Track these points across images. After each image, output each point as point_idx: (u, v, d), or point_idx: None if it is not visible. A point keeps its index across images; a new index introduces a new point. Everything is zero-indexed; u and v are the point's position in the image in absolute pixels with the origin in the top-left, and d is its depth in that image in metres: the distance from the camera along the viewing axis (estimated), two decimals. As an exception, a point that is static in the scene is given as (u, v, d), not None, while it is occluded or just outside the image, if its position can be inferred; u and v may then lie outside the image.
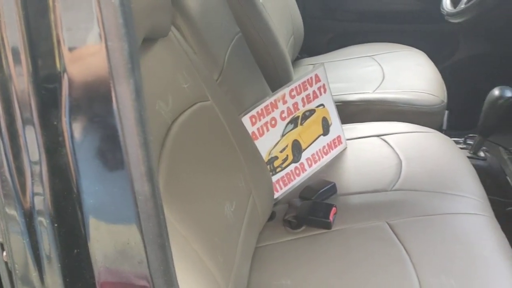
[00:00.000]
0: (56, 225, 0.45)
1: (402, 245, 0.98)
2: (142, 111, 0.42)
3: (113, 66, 0.40)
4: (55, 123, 0.42)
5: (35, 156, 0.43)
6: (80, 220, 0.45)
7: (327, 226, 1.06)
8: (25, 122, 0.41)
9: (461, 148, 1.54)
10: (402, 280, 0.90)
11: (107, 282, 0.49)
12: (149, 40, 0.83)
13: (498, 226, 1.04)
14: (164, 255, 0.46)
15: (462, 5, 1.52)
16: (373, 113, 1.54)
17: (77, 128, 0.42)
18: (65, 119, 0.42)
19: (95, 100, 0.41)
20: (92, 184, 0.44)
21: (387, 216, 1.06)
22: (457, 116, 1.71)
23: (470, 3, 1.47)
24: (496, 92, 1.39)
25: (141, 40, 0.73)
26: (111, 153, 0.43)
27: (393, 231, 1.02)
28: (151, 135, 0.43)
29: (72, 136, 0.42)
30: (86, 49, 0.40)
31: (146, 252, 0.46)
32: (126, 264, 0.47)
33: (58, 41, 0.40)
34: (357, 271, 0.94)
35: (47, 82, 0.41)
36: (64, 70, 0.41)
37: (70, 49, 0.40)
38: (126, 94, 0.41)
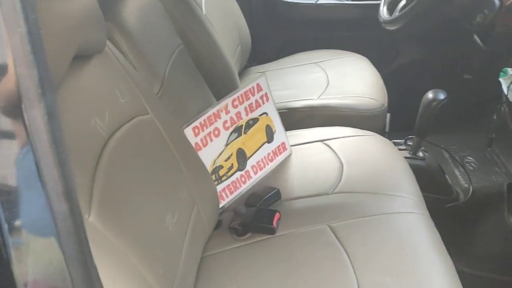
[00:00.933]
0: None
1: (342, 246, 1.01)
2: (56, 132, 0.43)
3: (23, 91, 0.41)
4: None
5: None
6: (0, 241, 0.46)
7: (271, 231, 1.09)
8: None
9: (402, 149, 1.61)
10: (342, 280, 0.93)
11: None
12: (82, 57, 0.84)
13: (432, 223, 1.10)
14: (87, 271, 0.47)
15: (396, 13, 1.60)
16: (318, 118, 1.59)
17: (-8, 152, 0.43)
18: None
19: (9, 125, 0.42)
20: (10, 205, 0.45)
21: (329, 219, 1.09)
22: (399, 119, 1.78)
23: (403, 11, 1.54)
24: (430, 95, 1.46)
25: (70, 58, 0.74)
26: (28, 174, 0.44)
27: (334, 233, 1.05)
28: (68, 154, 0.44)
29: (-13, 160, 0.43)
30: (-4, 75, 0.41)
31: (68, 270, 0.47)
32: (50, 282, 0.48)
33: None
34: (299, 273, 0.97)
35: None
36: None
37: (-20, 76, 0.41)
38: (38, 118, 0.42)
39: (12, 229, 0.46)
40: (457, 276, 0.95)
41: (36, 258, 0.47)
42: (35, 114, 0.42)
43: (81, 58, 0.83)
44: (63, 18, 0.71)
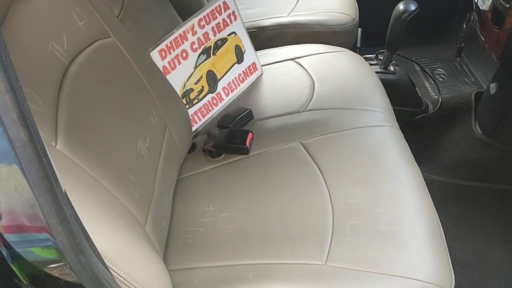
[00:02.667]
0: None
1: (314, 161, 1.04)
2: (3, 57, 0.41)
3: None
4: None
5: None
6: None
7: (245, 151, 1.10)
8: None
9: (373, 64, 1.61)
10: (314, 193, 0.96)
11: (4, 226, 0.50)
12: (32, -22, 0.79)
13: (401, 135, 1.12)
14: (54, 196, 0.47)
15: None
16: (288, 36, 1.55)
17: None
18: None
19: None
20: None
21: (301, 137, 1.11)
22: (370, 33, 1.76)
23: None
24: (400, 6, 1.43)
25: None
26: (-22, 102, 0.42)
27: (306, 150, 1.07)
28: (17, 80, 0.42)
29: None
30: None
31: (34, 196, 0.46)
32: (18, 209, 0.48)
33: None
34: (274, 190, 1.00)
35: None
36: None
37: None
38: (-19, 41, 0.39)
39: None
40: (424, 182, 0.99)
41: (2, 187, 0.47)
42: (-23, 37, 0.39)
43: (30, -21, 0.78)
44: None
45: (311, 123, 1.15)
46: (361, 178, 0.98)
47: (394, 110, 1.24)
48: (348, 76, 1.30)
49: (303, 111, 1.20)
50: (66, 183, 0.53)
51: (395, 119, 1.19)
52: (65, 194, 0.51)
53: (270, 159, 1.08)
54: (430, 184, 1.03)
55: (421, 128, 1.63)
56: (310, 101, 1.22)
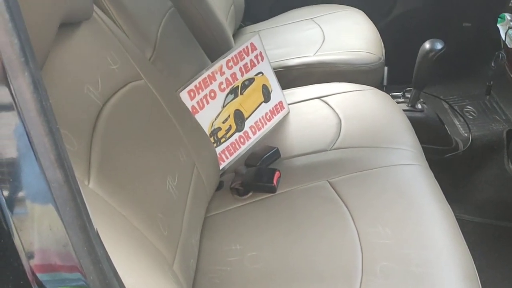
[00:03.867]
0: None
1: (342, 200, 1.03)
2: (43, 101, 0.43)
3: (5, 61, 0.41)
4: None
5: None
6: (3, 223, 0.47)
7: (272, 190, 1.10)
8: None
9: (400, 102, 1.61)
10: (342, 233, 0.95)
11: (37, 265, 0.51)
12: (70, 25, 0.83)
13: (431, 174, 1.11)
14: (86, 235, 0.48)
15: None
16: (314, 76, 1.57)
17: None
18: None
19: (-4, 95, 0.42)
20: (6, 176, 0.46)
21: (328, 175, 1.10)
22: (396, 71, 1.77)
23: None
24: (427, 45, 1.44)
25: (56, 26, 0.73)
26: (19, 145, 0.45)
27: (333, 188, 1.07)
28: (56, 123, 0.44)
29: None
30: (-22, 46, 0.41)
31: (68, 235, 0.48)
32: (52, 248, 0.49)
33: None
34: (301, 229, 0.99)
35: None
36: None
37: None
38: (24, 87, 0.42)
39: (10, 199, 0.47)
40: (456, 223, 0.97)
41: (36, 226, 0.48)
42: (20, 83, 0.42)
43: (68, 25, 0.82)
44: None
45: (338, 161, 1.15)
46: (391, 217, 0.96)
47: (423, 148, 1.23)
48: (375, 114, 1.30)
49: (330, 150, 1.20)
50: (98, 222, 0.55)
51: (424, 157, 1.18)
52: (97, 233, 0.53)
53: (297, 197, 1.08)
54: (463, 225, 1.00)
55: (451, 167, 1.60)
56: (337, 139, 1.22)
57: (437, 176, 1.12)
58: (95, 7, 0.94)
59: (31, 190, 0.47)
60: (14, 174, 0.46)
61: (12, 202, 0.47)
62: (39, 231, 0.49)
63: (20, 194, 0.47)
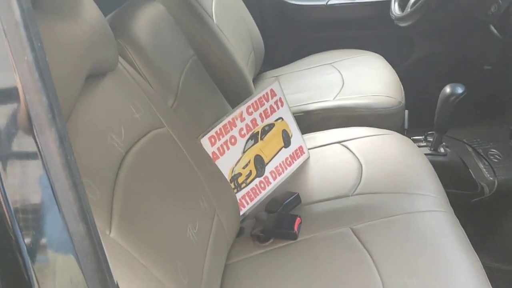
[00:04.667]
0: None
1: (365, 248, 1.01)
2: (68, 156, 0.44)
3: (33, 117, 0.42)
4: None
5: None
6: (21, 264, 0.47)
7: (293, 236, 1.09)
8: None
9: (422, 146, 1.59)
10: (367, 283, 0.93)
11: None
12: (96, 76, 0.86)
13: (456, 221, 1.08)
14: (106, 288, 0.48)
15: (408, 9, 1.58)
16: (334, 120, 1.58)
17: (9, 176, 0.44)
18: (-5, 170, 0.44)
19: (21, 152, 0.44)
20: (29, 229, 0.46)
21: (350, 222, 1.08)
22: (417, 115, 1.76)
23: (415, 6, 1.53)
24: (447, 89, 1.44)
25: (83, 79, 0.75)
26: (43, 198, 0.45)
27: (356, 236, 1.05)
28: (79, 177, 0.45)
29: (3, 184, 0.44)
30: (7, 104, 0.42)
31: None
32: (72, 302, 0.49)
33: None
34: (324, 277, 0.97)
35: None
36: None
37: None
38: (50, 142, 0.43)
39: (31, 250, 0.47)
40: (484, 271, 0.94)
41: (57, 278, 0.48)
42: (47, 139, 0.43)
43: (94, 76, 0.85)
44: (70, 41, 0.72)
45: (361, 207, 1.13)
46: (416, 267, 0.94)
47: (447, 193, 1.21)
48: (397, 159, 1.29)
49: (351, 195, 1.18)
50: (118, 272, 0.55)
51: (449, 203, 1.16)
52: (117, 285, 0.52)
53: (319, 244, 1.06)
54: (491, 272, 0.96)
55: (477, 212, 1.56)
56: (358, 184, 1.21)
57: (463, 223, 1.09)
58: (119, 58, 0.97)
59: (53, 241, 0.47)
60: (37, 223, 0.47)
61: (33, 251, 0.47)
62: (59, 284, 0.49)
63: (42, 243, 0.47)
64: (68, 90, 0.69)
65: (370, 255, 0.98)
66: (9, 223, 0.46)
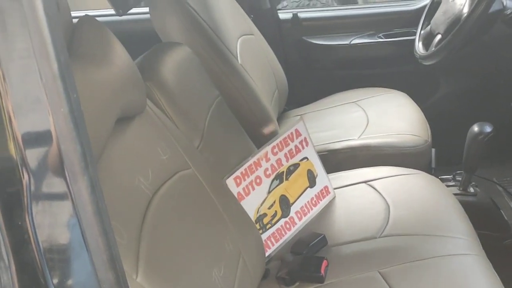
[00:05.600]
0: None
1: (395, 294, 0.98)
2: (99, 203, 0.45)
3: (67, 165, 0.43)
4: (19, 223, 0.45)
5: (2, 256, 0.45)
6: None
7: (320, 280, 1.07)
8: (-10, 225, 0.44)
9: (451, 185, 1.56)
10: (397, 331, 0.89)
11: None
12: (125, 119, 0.88)
13: (489, 264, 1.04)
14: (134, 339, 0.47)
15: (432, 48, 1.58)
16: (359, 159, 1.56)
17: (40, 226, 0.45)
18: (28, 218, 0.45)
19: (54, 198, 0.44)
20: (59, 276, 0.47)
21: (378, 265, 1.06)
22: (444, 154, 1.73)
23: (440, 45, 1.53)
24: (475, 128, 1.41)
25: (113, 123, 0.77)
26: (73, 244, 0.46)
27: (385, 280, 1.02)
28: (109, 222, 0.45)
29: (36, 233, 0.45)
30: (43, 152, 0.43)
31: (115, 337, 0.47)
32: None
33: (19, 148, 0.43)
34: (352, 324, 0.94)
35: (9, 186, 0.44)
36: (24, 173, 0.44)
37: (30, 155, 0.44)
38: (82, 190, 0.43)
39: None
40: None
41: (85, 326, 0.48)
42: (79, 186, 0.43)
43: (124, 119, 0.87)
44: (102, 86, 0.75)
45: (389, 250, 1.10)
46: (449, 314, 0.90)
47: (478, 235, 1.17)
48: (425, 200, 1.26)
49: (379, 237, 1.16)
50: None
51: (481, 245, 1.12)
52: (144, 334, 0.52)
53: (346, 289, 1.03)
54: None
55: (510, 255, 1.50)
56: (386, 226, 1.18)
57: (495, 266, 1.05)
58: (147, 100, 0.99)
59: (82, 286, 0.47)
60: (66, 268, 0.47)
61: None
62: (88, 332, 0.48)
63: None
64: (98, 133, 0.71)
65: (400, 301, 0.95)
66: (41, 270, 0.46)
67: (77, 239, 0.46)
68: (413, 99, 1.88)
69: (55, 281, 0.47)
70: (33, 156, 0.43)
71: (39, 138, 0.43)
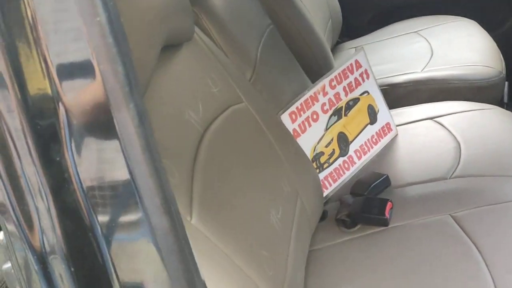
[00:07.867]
0: (73, 269, 0.41)
1: (471, 240, 0.89)
2: (148, 137, 0.37)
3: (109, 91, 0.35)
4: (57, 159, 0.38)
5: (40, 197, 0.39)
6: (99, 261, 0.41)
7: (384, 223, 0.99)
8: (24, 162, 0.37)
9: (527, 122, 1.41)
10: (474, 280, 0.81)
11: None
12: (171, 47, 0.79)
13: None
14: (193, 290, 0.41)
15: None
16: (423, 94, 1.43)
17: (82, 163, 0.38)
18: (67, 154, 0.38)
19: (97, 130, 0.37)
20: (106, 221, 0.40)
21: (450, 208, 0.96)
22: (518, 87, 1.57)
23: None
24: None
25: (159, 49, 0.69)
26: (121, 186, 0.39)
27: (458, 224, 0.93)
28: (160, 162, 0.38)
29: (77, 171, 0.38)
30: (79, 75, 0.36)
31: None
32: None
33: (48, 69, 0.35)
34: (421, 270, 0.87)
35: (41, 116, 0.37)
36: (59, 101, 0.36)
37: (62, 77, 0.36)
38: (128, 121, 0.36)
39: (110, 248, 0.41)
40: None
41: (138, 278, 0.42)
42: (124, 116, 0.36)
43: (169, 48, 0.78)
44: (146, 8, 0.66)
45: (461, 192, 1.01)
46: (533, 262, 0.81)
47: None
48: (501, 138, 1.14)
49: (449, 178, 1.05)
50: (199, 262, 0.48)
51: None
52: (204, 285, 0.45)
53: (414, 233, 0.95)
54: None
55: None
56: (457, 166, 1.08)
57: None
58: (195, 28, 0.90)
59: (134, 238, 0.41)
60: (115, 214, 0.40)
61: (112, 249, 0.41)
62: (142, 284, 0.43)
63: (123, 240, 0.41)
64: (144, 60, 0.63)
65: (476, 248, 0.86)
66: (85, 214, 0.40)
67: (124, 179, 0.39)
68: (482, 26, 1.69)
69: (102, 227, 0.41)
70: (66, 78, 0.35)
71: (71, 57, 0.35)
